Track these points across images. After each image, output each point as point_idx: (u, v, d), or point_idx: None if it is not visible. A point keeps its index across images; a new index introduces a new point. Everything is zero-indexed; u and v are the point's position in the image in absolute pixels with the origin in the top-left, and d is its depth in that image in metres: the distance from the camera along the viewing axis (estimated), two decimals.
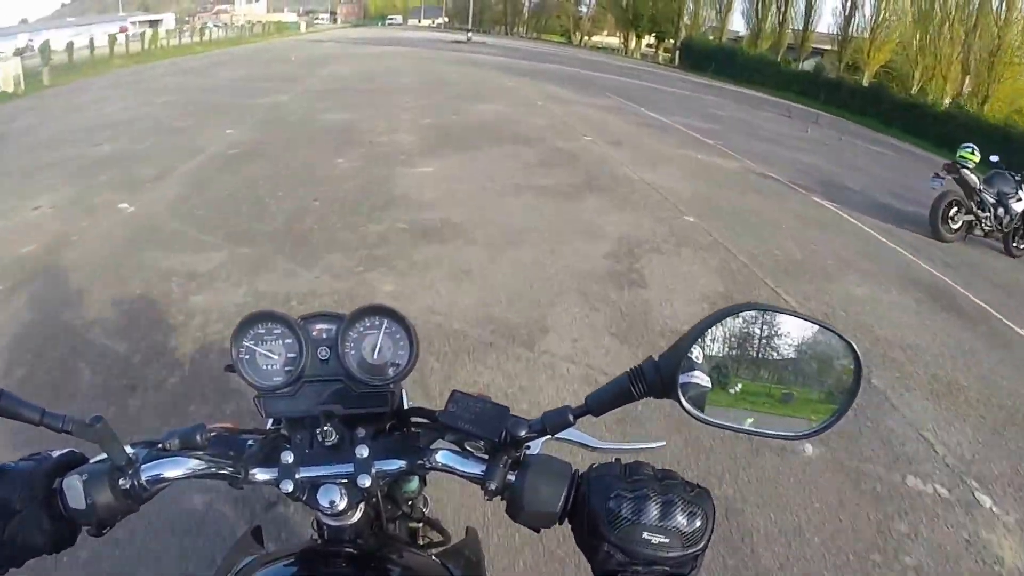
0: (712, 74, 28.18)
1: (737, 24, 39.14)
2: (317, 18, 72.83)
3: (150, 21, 43.25)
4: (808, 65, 31.63)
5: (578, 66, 22.06)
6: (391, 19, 75.61)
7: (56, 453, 0.60)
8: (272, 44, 26.73)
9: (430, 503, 0.91)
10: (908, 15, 25.00)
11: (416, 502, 0.84)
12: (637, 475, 0.56)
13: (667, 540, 0.53)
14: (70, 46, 16.14)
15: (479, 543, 0.88)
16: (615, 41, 57.20)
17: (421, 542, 0.93)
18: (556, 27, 64.25)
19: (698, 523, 0.54)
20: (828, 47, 32.86)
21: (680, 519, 0.53)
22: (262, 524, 0.82)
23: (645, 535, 0.53)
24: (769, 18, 34.27)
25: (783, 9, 33.64)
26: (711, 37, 39.15)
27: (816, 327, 0.57)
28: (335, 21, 76.48)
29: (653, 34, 46.78)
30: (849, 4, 29.76)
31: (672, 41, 43.56)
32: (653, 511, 0.54)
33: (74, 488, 0.56)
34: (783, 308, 0.57)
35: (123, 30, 29.45)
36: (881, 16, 27.36)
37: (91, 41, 18.11)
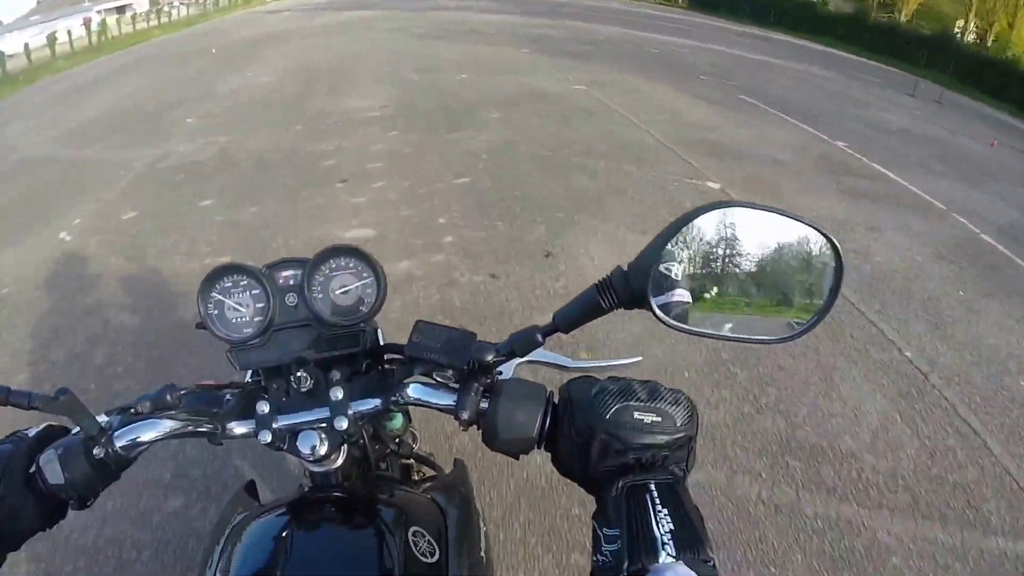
0: (729, 15, 24.73)
1: None
2: None
3: (117, 8, 41.50)
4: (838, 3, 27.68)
5: (582, 18, 17.35)
6: None
7: (33, 431, 0.59)
8: (225, 21, 22.88)
9: (419, 439, 0.91)
10: None
11: (404, 439, 0.84)
12: (615, 378, 0.56)
13: (659, 419, 0.52)
14: (26, 48, 15.46)
15: (468, 474, 0.89)
16: None
17: (416, 478, 0.94)
18: None
19: (683, 405, 0.54)
20: None
21: (666, 403, 0.53)
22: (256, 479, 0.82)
23: (636, 415, 0.52)
24: None
25: None
26: None
27: (794, 222, 0.55)
28: None
29: None
30: None
31: None
32: (639, 395, 0.53)
33: (51, 464, 0.56)
34: (756, 204, 0.54)
35: (85, 22, 28.29)
36: None
37: (49, 39, 17.29)
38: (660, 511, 0.49)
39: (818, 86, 11.33)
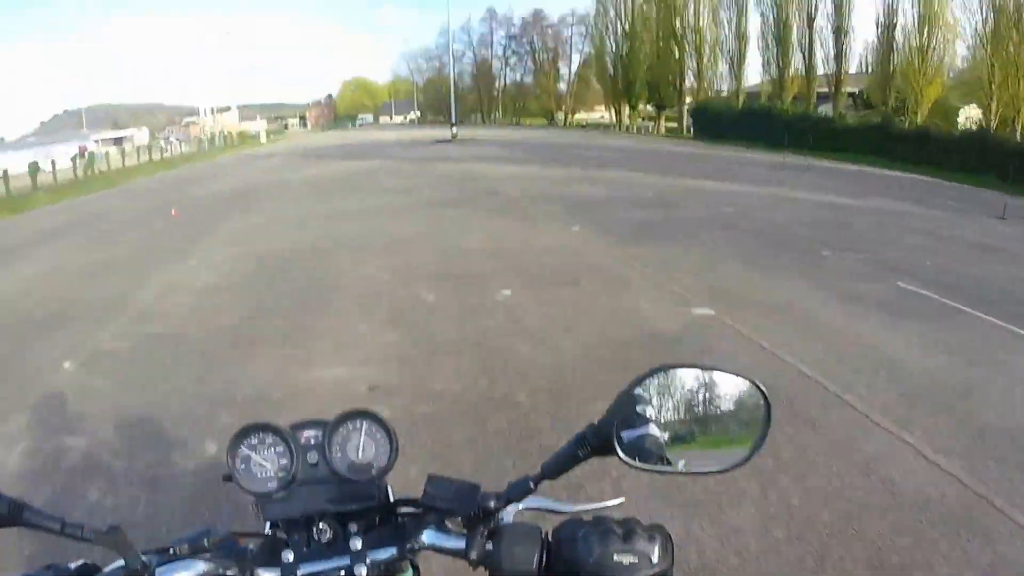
0: (738, 141, 24.22)
1: (752, 79, 33.38)
2: (286, 124, 71.06)
3: (115, 139, 42.42)
4: (834, 113, 26.19)
5: (593, 166, 15.77)
6: (362, 119, 73.23)
7: (73, 565, 0.64)
8: (214, 163, 22.62)
9: None
10: (973, 36, 20.60)
11: None
12: (598, 520, 0.66)
13: (636, 560, 0.61)
14: (4, 174, 15.36)
15: None
16: (601, 116, 53.45)
17: None
18: (536, 109, 61.32)
19: (659, 543, 0.62)
20: (853, 89, 28.80)
21: (643, 541, 0.62)
22: None
23: (616, 557, 0.61)
24: (792, 65, 28.74)
25: (806, 52, 28.18)
26: (724, 95, 33.88)
27: (730, 376, 0.69)
28: (306, 125, 75.12)
29: (649, 103, 42.12)
30: (885, 31, 24.62)
31: (673, 108, 38.71)
32: (619, 537, 0.62)
33: None
34: (700, 364, 0.69)
35: (82, 151, 28.98)
36: (932, 42, 22.58)
37: (31, 169, 17.14)
38: None
39: (935, 232, 8.88)
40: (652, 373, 0.67)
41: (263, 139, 46.22)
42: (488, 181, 12.49)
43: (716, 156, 20.77)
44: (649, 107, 43.52)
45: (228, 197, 11.55)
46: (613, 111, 47.49)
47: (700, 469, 0.69)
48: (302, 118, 79.46)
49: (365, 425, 0.77)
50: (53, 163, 18.86)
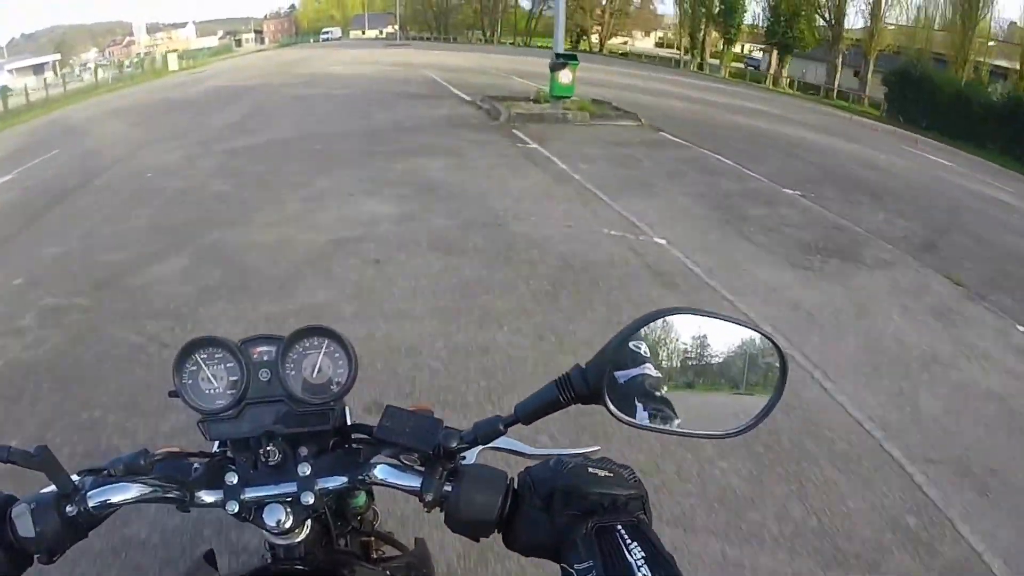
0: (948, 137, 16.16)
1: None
2: (239, 41, 60.78)
3: (33, 66, 36.37)
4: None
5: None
6: (326, 33, 59.54)
7: (4, 492, 0.61)
8: (128, 94, 17.55)
9: (380, 517, 0.92)
10: None
11: (366, 516, 0.86)
12: (567, 461, 0.61)
13: (612, 475, 0.57)
14: None
15: (428, 553, 0.90)
16: (651, 47, 40.40)
17: (375, 556, 0.94)
18: (544, 29, 45.22)
19: (633, 475, 0.59)
20: None
21: (617, 467, 0.59)
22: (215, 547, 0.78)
23: (591, 469, 0.58)
24: None
25: None
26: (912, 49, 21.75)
27: (740, 327, 0.60)
28: (262, 42, 63.93)
29: (769, 40, 27.23)
30: None
31: (806, 50, 25.61)
32: (591, 463, 0.59)
33: (22, 517, 0.57)
34: (706, 311, 0.59)
35: None
36: None
37: None
38: (631, 544, 0.51)
39: None
40: (653, 317, 0.58)
41: (172, 65, 32.30)
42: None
43: (928, 160, 12.89)
44: (756, 50, 30.53)
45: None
46: (683, 41, 33.17)
47: (699, 431, 0.61)
48: (257, 32, 66.69)
49: (323, 343, 0.71)
50: None
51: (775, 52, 29.28)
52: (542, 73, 11.58)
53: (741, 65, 33.73)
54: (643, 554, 0.50)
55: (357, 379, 0.70)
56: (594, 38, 44.87)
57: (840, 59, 26.44)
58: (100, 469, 0.62)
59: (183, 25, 57.92)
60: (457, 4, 52.39)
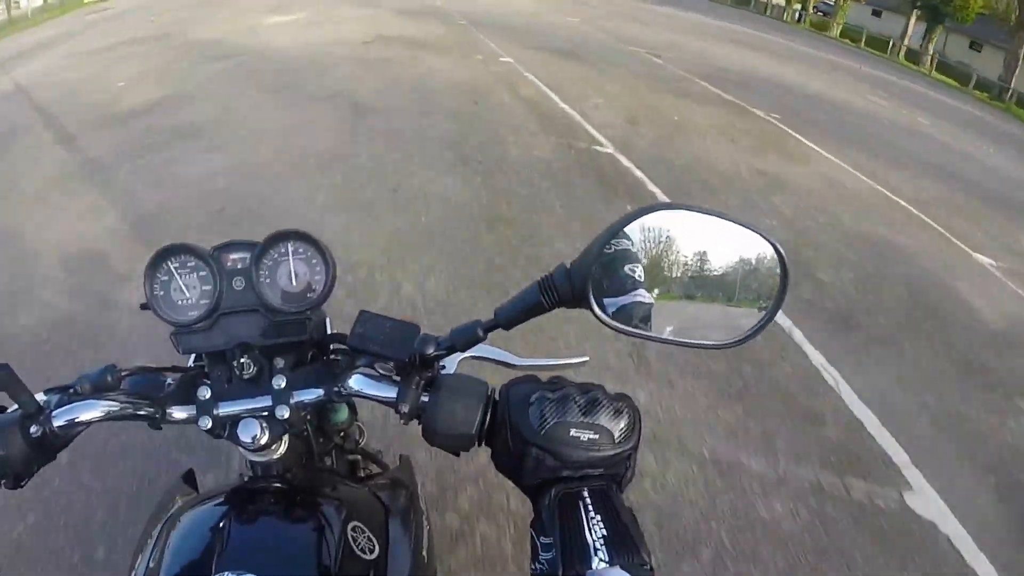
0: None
1: None
2: None
3: None
4: None
5: None
6: None
7: None
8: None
9: (366, 433, 0.90)
10: None
11: (350, 433, 0.83)
12: (557, 383, 0.56)
13: (596, 436, 0.52)
14: None
15: (412, 470, 0.88)
16: None
17: (362, 474, 0.93)
18: None
19: (625, 419, 0.54)
20: None
21: (606, 416, 0.53)
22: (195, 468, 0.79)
23: (573, 432, 0.52)
24: None
25: None
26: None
27: (739, 227, 0.55)
28: None
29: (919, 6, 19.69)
30: None
31: (967, 23, 19.47)
32: (578, 408, 0.53)
33: None
34: (702, 207, 0.54)
35: None
36: None
37: None
38: (593, 517, 0.49)
39: None
40: (643, 212, 0.53)
41: None
42: None
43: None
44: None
45: None
46: None
47: (691, 339, 0.57)
48: None
49: (299, 248, 0.68)
50: None
51: (912, 16, 21.85)
52: None
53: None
54: (604, 532, 0.49)
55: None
56: None
57: None
58: (66, 388, 0.60)
59: None
60: None
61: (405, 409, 0.58)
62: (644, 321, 0.55)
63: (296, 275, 0.68)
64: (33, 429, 0.56)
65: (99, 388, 0.58)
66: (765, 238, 0.55)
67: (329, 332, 0.72)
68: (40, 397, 0.58)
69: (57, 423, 0.57)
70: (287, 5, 10.94)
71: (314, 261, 0.68)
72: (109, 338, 2.42)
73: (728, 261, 0.56)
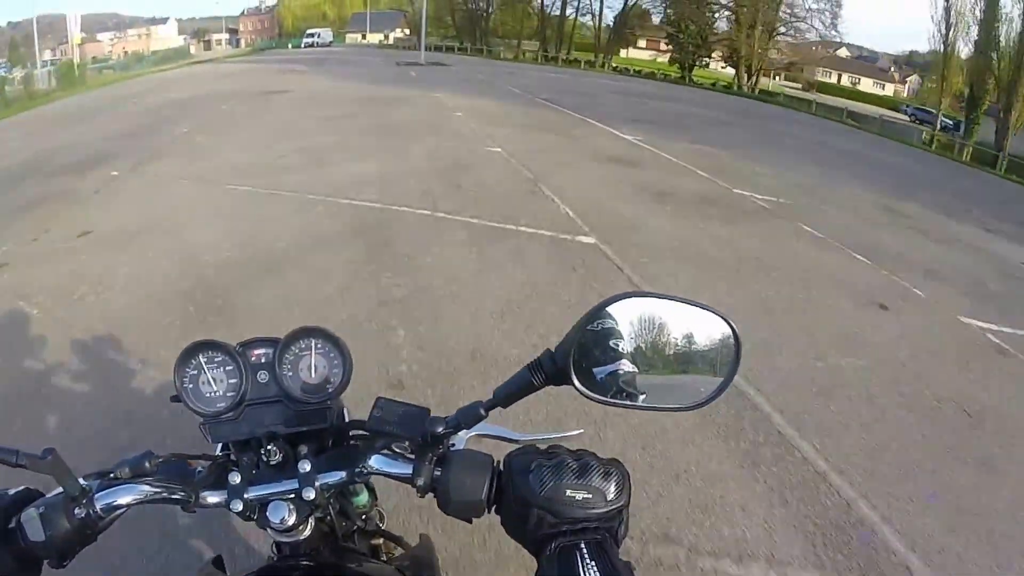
0: None
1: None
2: (208, 43, 52.36)
3: None
4: None
5: None
6: (310, 36, 46.09)
7: (12, 491, 0.62)
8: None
9: (386, 517, 0.95)
10: None
11: (371, 516, 0.88)
12: (553, 452, 0.63)
13: (590, 496, 0.58)
14: None
15: (433, 548, 0.92)
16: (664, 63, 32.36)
17: (384, 558, 0.95)
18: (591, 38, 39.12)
19: (615, 481, 0.60)
20: None
21: (598, 478, 0.60)
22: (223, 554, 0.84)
23: (568, 492, 0.59)
24: None
25: None
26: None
27: (695, 308, 0.64)
28: (236, 43, 53.82)
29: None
30: None
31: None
32: (572, 472, 0.60)
33: (32, 521, 0.58)
34: (662, 294, 0.64)
35: None
36: None
37: None
38: (589, 565, 0.55)
39: None
40: (613, 300, 0.62)
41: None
42: None
43: None
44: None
45: None
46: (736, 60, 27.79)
47: (661, 404, 0.66)
48: (232, 32, 56.42)
49: (318, 344, 0.74)
50: None
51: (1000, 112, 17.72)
52: None
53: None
54: None
55: None
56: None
57: None
58: (106, 472, 0.63)
59: (163, 21, 50.38)
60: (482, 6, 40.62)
61: (421, 483, 0.64)
62: (629, 384, 0.64)
63: (316, 368, 0.74)
64: (77, 511, 0.59)
65: (137, 473, 0.62)
66: (719, 315, 0.64)
67: (347, 417, 0.78)
68: (82, 481, 0.61)
69: (99, 505, 0.61)
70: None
71: (332, 355, 0.74)
72: None
73: (687, 337, 0.65)
